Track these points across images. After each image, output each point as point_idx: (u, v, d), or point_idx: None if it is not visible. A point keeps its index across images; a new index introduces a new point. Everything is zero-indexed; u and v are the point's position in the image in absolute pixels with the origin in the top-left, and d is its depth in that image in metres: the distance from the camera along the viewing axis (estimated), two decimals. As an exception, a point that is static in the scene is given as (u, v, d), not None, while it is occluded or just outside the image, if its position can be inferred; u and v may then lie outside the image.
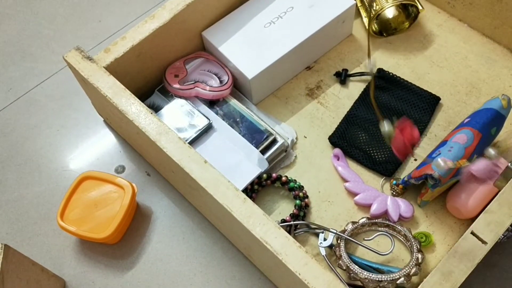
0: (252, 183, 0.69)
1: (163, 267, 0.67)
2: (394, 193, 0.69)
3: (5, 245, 0.55)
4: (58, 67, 0.85)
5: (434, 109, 0.75)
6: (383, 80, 0.77)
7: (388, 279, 0.60)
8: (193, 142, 0.70)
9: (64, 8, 0.92)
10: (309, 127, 0.75)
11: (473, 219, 0.58)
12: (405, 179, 0.67)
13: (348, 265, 0.62)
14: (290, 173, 0.72)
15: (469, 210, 0.63)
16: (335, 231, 0.64)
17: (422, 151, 0.72)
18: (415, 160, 0.71)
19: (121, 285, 0.66)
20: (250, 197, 0.68)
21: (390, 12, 0.82)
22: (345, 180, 0.70)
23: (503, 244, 0.65)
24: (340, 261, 0.63)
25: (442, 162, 0.50)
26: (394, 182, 0.69)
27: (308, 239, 0.67)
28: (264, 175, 0.69)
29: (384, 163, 0.71)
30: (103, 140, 0.78)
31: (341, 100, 0.77)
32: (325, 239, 0.65)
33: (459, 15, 0.83)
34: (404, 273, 0.61)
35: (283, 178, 0.69)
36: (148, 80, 0.75)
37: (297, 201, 0.68)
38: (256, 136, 0.70)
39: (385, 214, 0.67)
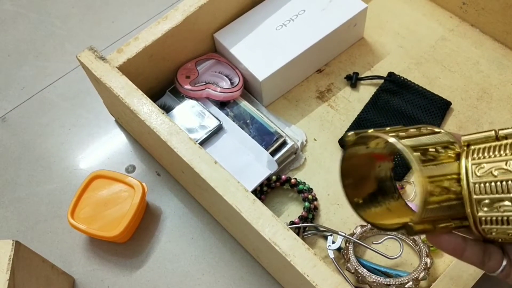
0: (261, 185, 0.69)
1: (172, 266, 0.68)
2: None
3: (16, 241, 0.55)
4: (71, 67, 0.86)
5: (445, 113, 0.75)
6: (394, 84, 0.77)
7: (397, 283, 0.60)
8: (204, 142, 0.70)
9: (78, 8, 0.93)
10: (319, 130, 0.75)
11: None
12: (415, 183, 0.67)
13: (357, 268, 0.62)
14: (299, 175, 0.72)
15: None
16: (343, 234, 0.64)
17: (432, 155, 0.72)
18: (425, 164, 0.71)
19: (130, 284, 0.67)
20: (259, 198, 0.68)
21: None
22: (354, 183, 0.70)
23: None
24: (349, 264, 0.63)
25: None
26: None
27: (317, 241, 0.67)
28: (273, 177, 0.69)
29: (393, 167, 0.70)
30: (114, 139, 0.79)
31: (351, 103, 0.77)
32: (333, 242, 0.65)
33: (471, 20, 0.82)
34: (413, 278, 0.60)
35: (292, 180, 0.69)
36: (159, 81, 0.75)
37: (306, 203, 0.68)
38: (266, 137, 0.71)
39: (394, 218, 0.67)
